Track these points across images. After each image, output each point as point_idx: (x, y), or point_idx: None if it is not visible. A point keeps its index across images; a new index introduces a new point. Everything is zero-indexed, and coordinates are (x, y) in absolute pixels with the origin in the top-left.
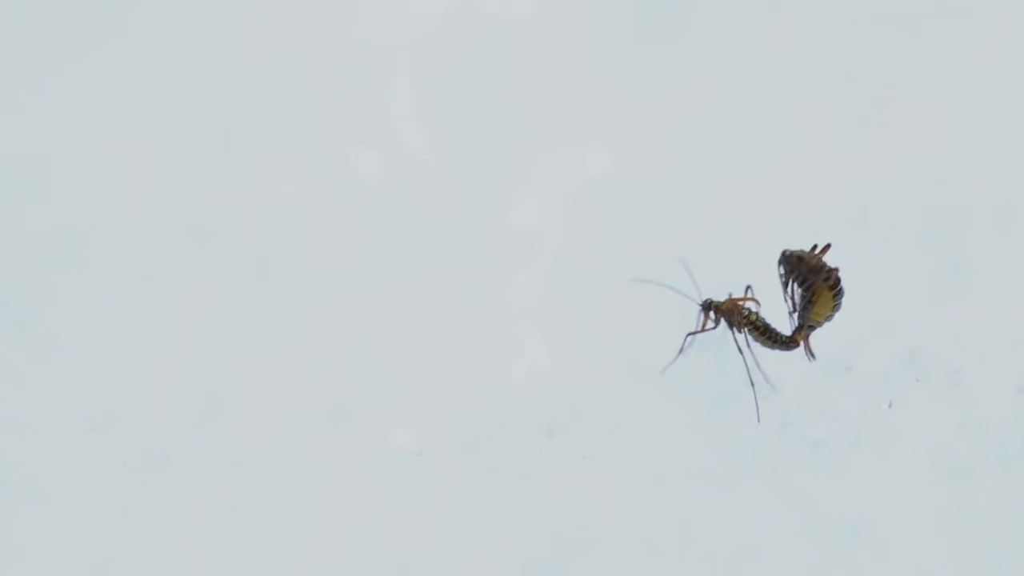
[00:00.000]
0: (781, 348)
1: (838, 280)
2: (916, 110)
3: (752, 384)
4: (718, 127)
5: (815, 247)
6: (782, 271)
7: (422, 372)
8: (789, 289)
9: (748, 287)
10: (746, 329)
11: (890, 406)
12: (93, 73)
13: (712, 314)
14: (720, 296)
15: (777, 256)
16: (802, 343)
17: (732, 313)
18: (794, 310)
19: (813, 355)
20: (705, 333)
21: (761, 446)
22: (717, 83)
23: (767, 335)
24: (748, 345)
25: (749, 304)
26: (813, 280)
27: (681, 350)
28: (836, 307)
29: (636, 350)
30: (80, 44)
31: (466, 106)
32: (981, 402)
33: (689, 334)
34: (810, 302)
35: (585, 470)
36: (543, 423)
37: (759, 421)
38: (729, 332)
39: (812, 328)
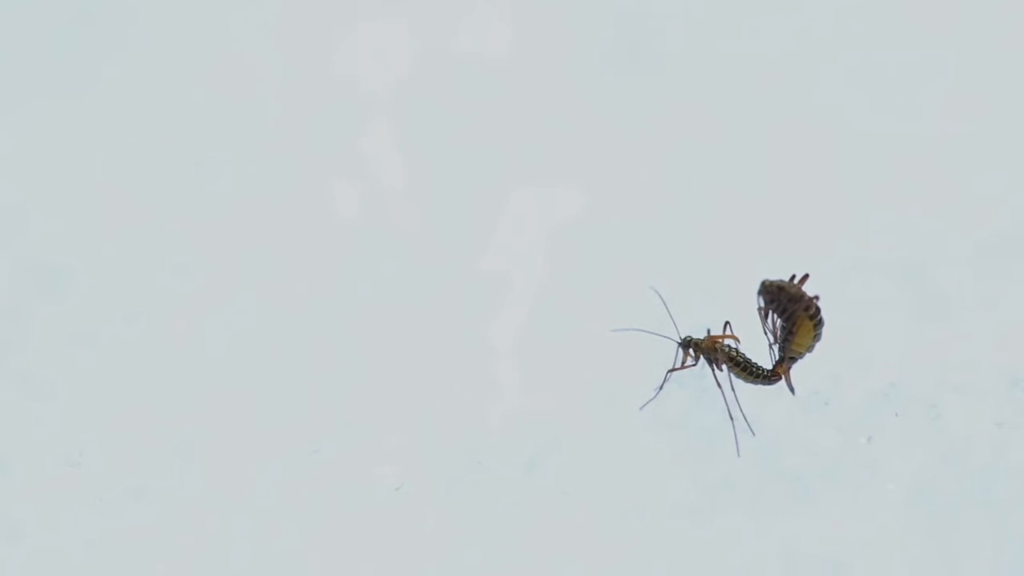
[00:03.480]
0: (762, 383)
1: (818, 309)
2: (894, 145)
3: (731, 419)
4: (694, 164)
5: (793, 277)
6: (761, 302)
7: (400, 408)
8: (769, 320)
9: (727, 323)
10: (727, 365)
11: (869, 440)
12: (70, 108)
13: (692, 351)
14: (699, 333)
15: (756, 288)
16: (783, 376)
17: (712, 350)
18: (774, 342)
19: (793, 389)
20: (684, 369)
21: (740, 480)
22: (692, 120)
23: (748, 370)
24: (731, 381)
25: (728, 341)
26: (793, 310)
27: (660, 387)
28: (817, 337)
29: (615, 385)
30: (59, 79)
31: (443, 145)
32: (960, 436)
33: (669, 371)
34: (791, 333)
35: (564, 506)
36: (522, 459)
37: (739, 455)
38: (708, 368)
39: (793, 360)
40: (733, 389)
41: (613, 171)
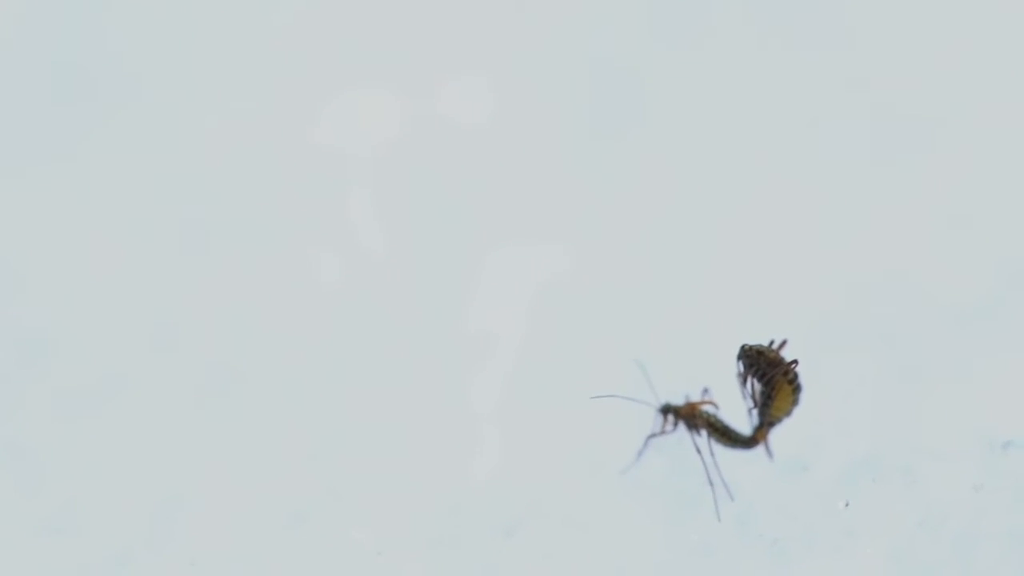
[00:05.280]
0: (741, 448)
1: (797, 374)
2: (875, 210)
3: (711, 484)
4: (676, 226)
5: (772, 343)
6: (741, 367)
7: (381, 471)
8: (748, 385)
9: (705, 389)
10: (706, 431)
11: (847, 505)
12: (53, 177)
13: (671, 417)
14: (677, 399)
15: (735, 352)
16: (762, 442)
17: (691, 416)
18: (753, 407)
19: (772, 454)
20: (663, 435)
21: (719, 545)
22: (675, 181)
23: (727, 436)
24: (710, 447)
25: (707, 407)
26: (772, 374)
27: (640, 452)
28: (795, 402)
29: (595, 449)
30: (43, 149)
31: (425, 207)
32: (938, 501)
33: (648, 437)
34: (770, 397)
35: (545, 570)
36: (503, 523)
37: (719, 520)
38: (687, 433)
39: (772, 425)
40: (712, 454)
41: (595, 233)
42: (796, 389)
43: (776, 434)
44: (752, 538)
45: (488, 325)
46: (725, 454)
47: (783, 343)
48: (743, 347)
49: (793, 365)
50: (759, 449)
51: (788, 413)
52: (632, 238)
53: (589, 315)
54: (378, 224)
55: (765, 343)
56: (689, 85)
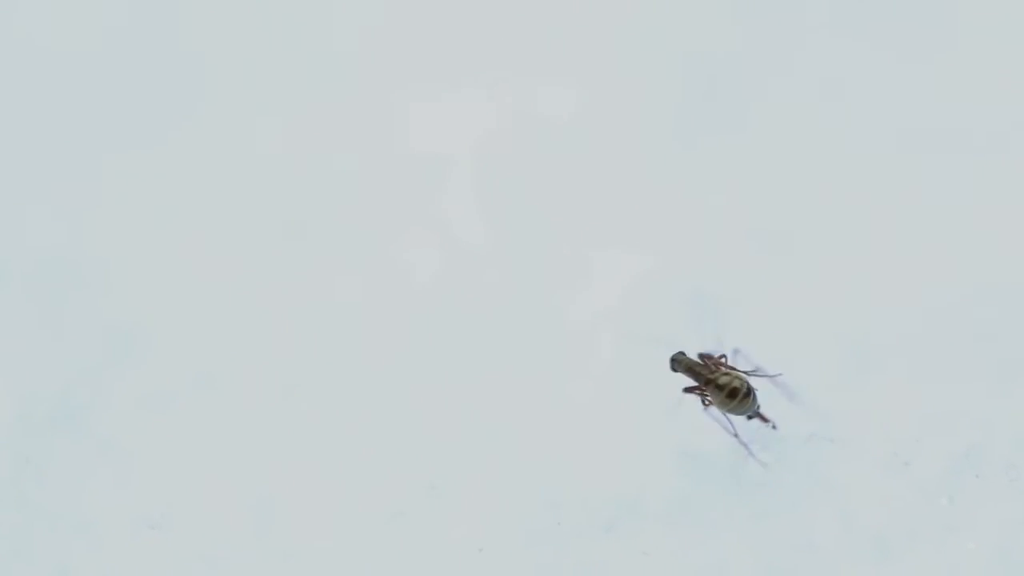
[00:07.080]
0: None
1: (735, 391)
2: (973, 205)
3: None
4: (769, 221)
5: (722, 355)
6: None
7: (481, 468)
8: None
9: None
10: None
11: (950, 501)
12: (149, 172)
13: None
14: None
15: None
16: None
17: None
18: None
19: (766, 419)
20: (766, 429)
21: (821, 541)
22: (766, 178)
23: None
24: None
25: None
26: (703, 387)
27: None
28: (740, 406)
29: (695, 445)
30: (137, 144)
31: (521, 204)
32: None
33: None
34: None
35: (645, 566)
36: (602, 519)
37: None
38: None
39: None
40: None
41: (690, 230)
42: (733, 398)
43: (876, 429)
44: (854, 533)
45: (583, 321)
46: (822, 448)
47: (721, 357)
48: (672, 359)
49: (732, 380)
50: (861, 446)
51: (742, 413)
52: (725, 235)
53: (683, 310)
54: (474, 222)
55: (713, 353)
56: (784, 78)
